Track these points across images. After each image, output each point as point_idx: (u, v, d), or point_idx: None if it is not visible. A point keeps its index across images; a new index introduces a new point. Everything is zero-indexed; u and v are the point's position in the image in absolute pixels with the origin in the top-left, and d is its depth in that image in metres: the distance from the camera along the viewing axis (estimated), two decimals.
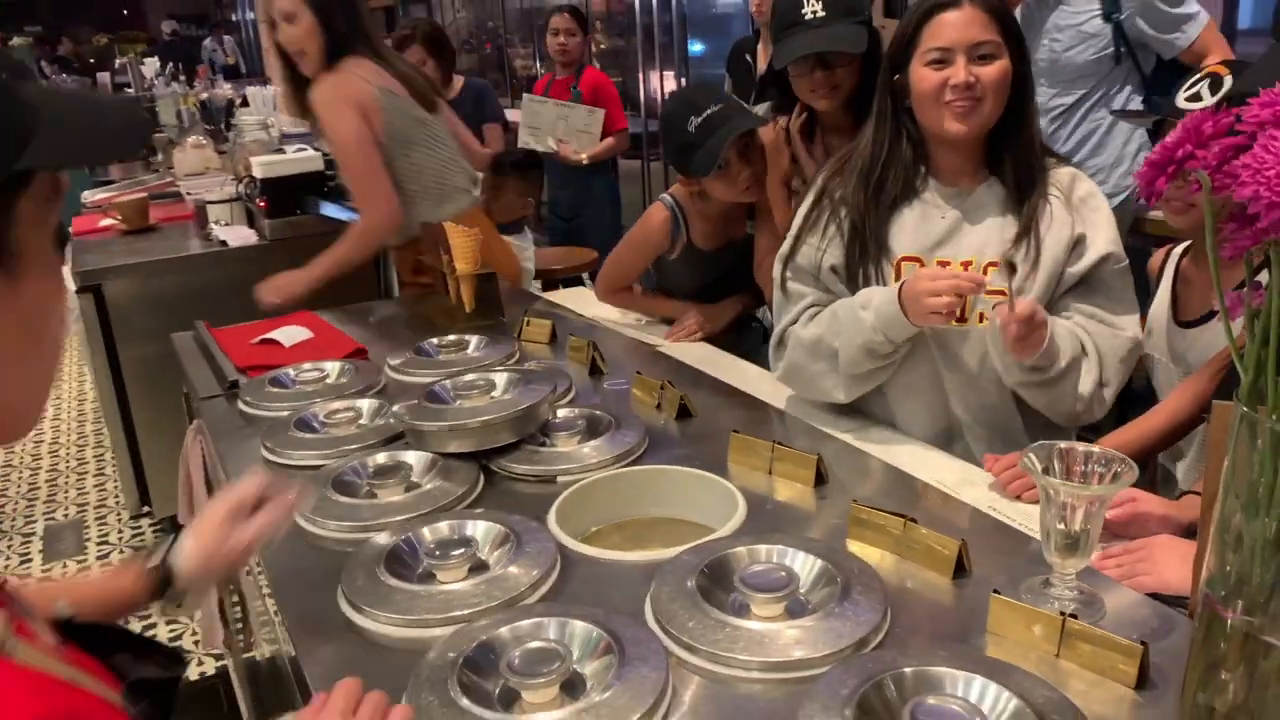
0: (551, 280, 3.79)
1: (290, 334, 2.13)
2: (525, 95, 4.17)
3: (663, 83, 6.50)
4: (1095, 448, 1.07)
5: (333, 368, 1.89)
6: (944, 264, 1.52)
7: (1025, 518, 1.29)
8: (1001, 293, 1.40)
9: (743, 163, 1.93)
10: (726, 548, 1.15)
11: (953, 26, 1.44)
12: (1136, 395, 1.74)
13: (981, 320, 1.52)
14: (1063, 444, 1.07)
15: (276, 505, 1.06)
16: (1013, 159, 1.51)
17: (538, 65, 8.67)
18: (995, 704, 0.89)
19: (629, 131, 4.35)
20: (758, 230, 2.09)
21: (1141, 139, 2.70)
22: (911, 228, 1.54)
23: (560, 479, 1.41)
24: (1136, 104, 2.69)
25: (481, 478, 1.42)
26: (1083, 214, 1.52)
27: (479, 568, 1.17)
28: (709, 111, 1.89)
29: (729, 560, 1.13)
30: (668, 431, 1.58)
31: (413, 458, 1.46)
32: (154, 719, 0.75)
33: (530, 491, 1.40)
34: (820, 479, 1.37)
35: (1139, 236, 2.70)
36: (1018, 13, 2.77)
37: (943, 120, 1.47)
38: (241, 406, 1.77)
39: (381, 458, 1.47)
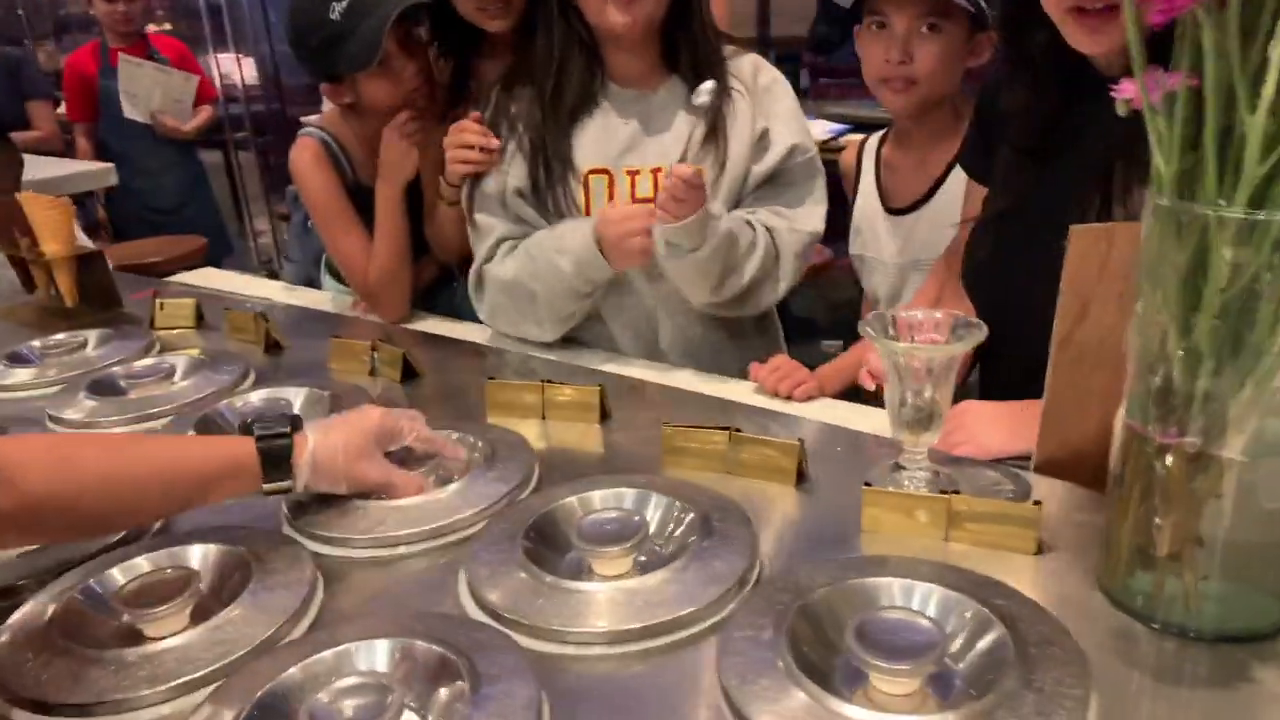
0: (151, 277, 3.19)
1: None
2: (122, 57, 3.47)
3: (240, 66, 5.86)
4: (932, 312, 0.97)
5: None
6: (633, 173, 1.41)
7: (813, 412, 1.20)
8: None
9: (405, 55, 1.56)
10: (543, 506, 0.92)
11: None
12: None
13: None
14: (895, 312, 0.96)
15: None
16: (689, 54, 1.41)
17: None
18: (938, 606, 0.75)
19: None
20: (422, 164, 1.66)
21: None
22: (594, 139, 1.42)
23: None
24: None
25: None
26: (765, 105, 1.44)
27: (202, 612, 0.82)
28: None
29: (553, 516, 0.90)
30: (396, 400, 1.28)
31: None
32: None
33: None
34: (605, 414, 1.17)
35: None
36: None
37: (605, 12, 1.32)
38: None
39: None
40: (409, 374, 1.34)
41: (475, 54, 1.63)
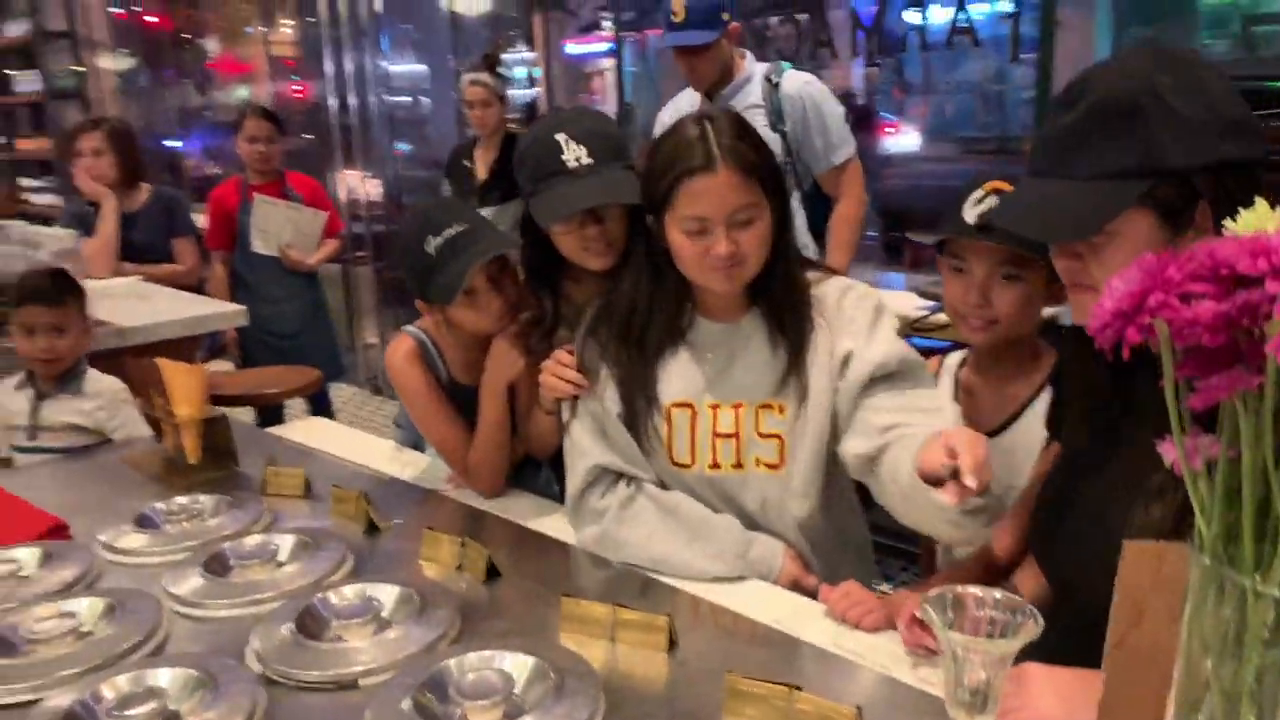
0: (267, 407, 3.39)
1: None
2: (257, 196, 3.78)
3: (364, 184, 6.26)
4: (991, 592, 1.01)
5: (26, 555, 1.49)
6: (714, 407, 1.47)
7: (873, 651, 1.22)
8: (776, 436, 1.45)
9: (494, 291, 1.64)
10: None
11: (709, 197, 1.34)
12: None
13: (758, 465, 1.47)
14: (956, 590, 1.00)
15: None
16: (773, 292, 1.46)
17: (212, 164, 8.08)
18: None
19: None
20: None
21: (809, 251, 2.93)
22: (680, 373, 1.49)
23: (365, 682, 1.15)
24: (799, 211, 2.92)
25: (261, 697, 1.13)
26: (843, 328, 1.45)
27: None
28: (452, 232, 1.59)
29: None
30: (478, 599, 1.36)
31: (165, 678, 1.15)
32: None
33: (325, 704, 1.14)
34: (673, 643, 1.22)
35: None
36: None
37: (707, 282, 1.41)
38: None
39: (123, 682, 1.14)
40: (492, 573, 1.42)
41: (565, 278, 1.69)
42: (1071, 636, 1.21)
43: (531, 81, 7.59)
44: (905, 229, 4.70)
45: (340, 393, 5.59)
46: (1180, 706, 0.78)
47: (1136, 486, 1.07)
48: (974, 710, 0.98)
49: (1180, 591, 0.83)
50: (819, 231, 3.00)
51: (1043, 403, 1.50)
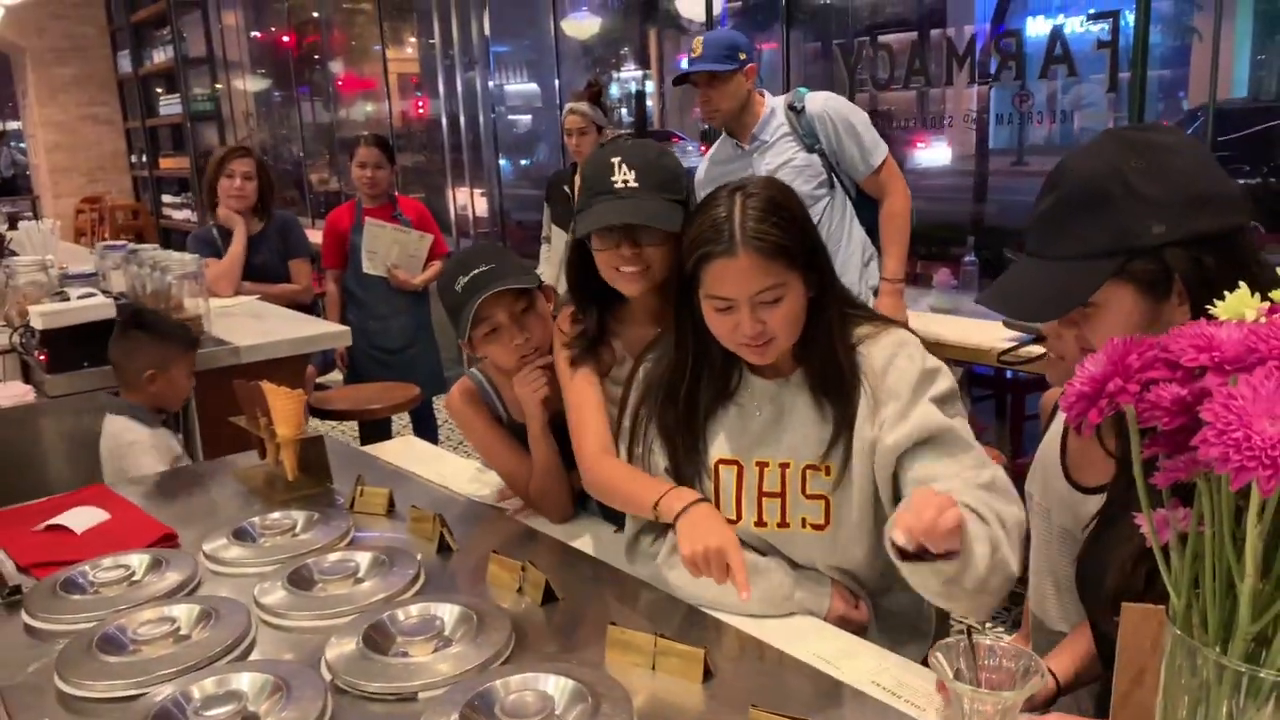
0: (371, 422, 3.59)
1: (82, 517, 1.87)
2: (368, 220, 4.03)
3: (473, 201, 6.49)
4: (1001, 643, 1.04)
5: (138, 561, 1.66)
6: (762, 465, 1.50)
7: (906, 690, 1.26)
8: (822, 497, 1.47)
9: (516, 328, 1.74)
10: None
11: (732, 279, 1.36)
12: None
13: (805, 526, 1.49)
14: (969, 640, 1.04)
15: None
16: (814, 357, 1.47)
17: (336, 180, 8.50)
18: None
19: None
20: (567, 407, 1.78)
21: (870, 251, 3.15)
22: (727, 430, 1.52)
23: (422, 696, 1.26)
24: (853, 217, 3.13)
25: (329, 700, 1.25)
26: (883, 395, 1.44)
27: None
28: (477, 271, 1.69)
29: None
30: (533, 622, 1.45)
31: (246, 682, 1.27)
32: None
33: (385, 714, 1.24)
34: (708, 674, 1.29)
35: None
36: (735, 162, 3.12)
37: (741, 354, 1.46)
38: (26, 619, 1.51)
39: (210, 684, 1.27)
40: (549, 597, 1.51)
41: (611, 314, 1.74)
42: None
43: (641, 99, 7.73)
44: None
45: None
46: None
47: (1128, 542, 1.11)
48: None
49: None
50: (874, 231, 3.17)
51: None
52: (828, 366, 1.46)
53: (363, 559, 1.62)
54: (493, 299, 1.71)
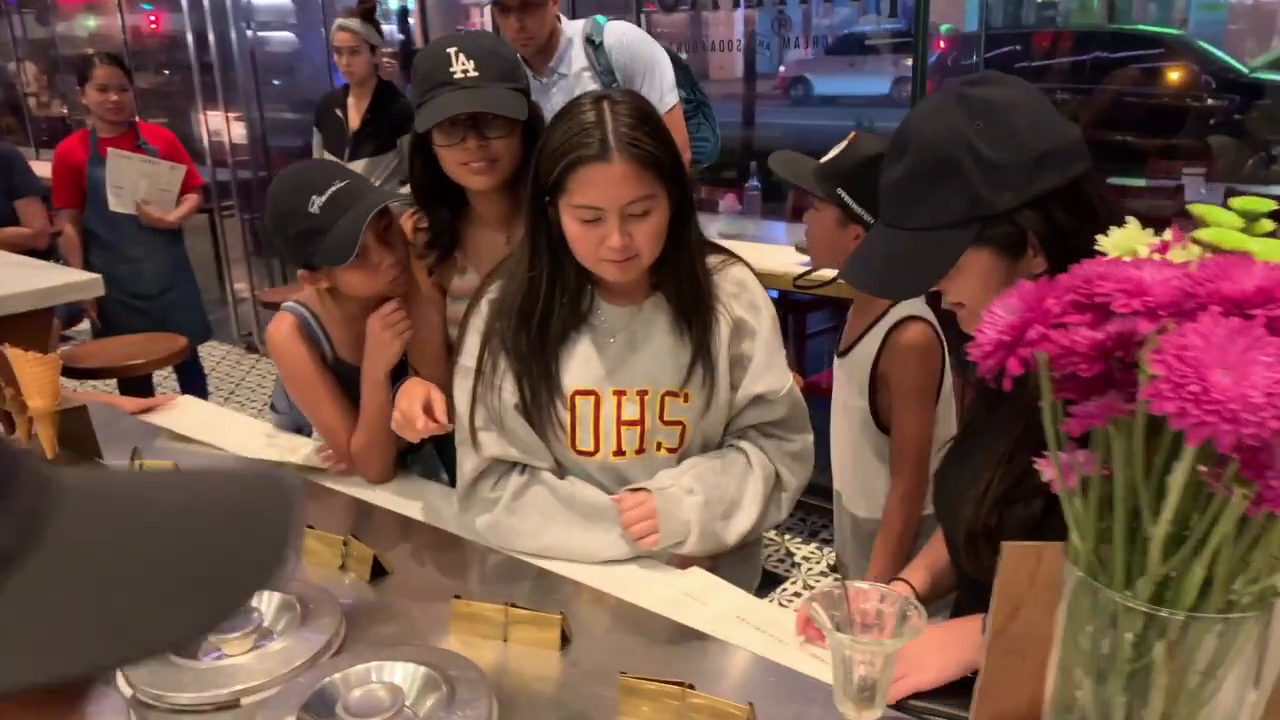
0: (131, 379, 3.22)
1: None
2: (111, 151, 3.53)
3: (229, 126, 5.92)
4: (879, 588, 1.03)
5: None
6: (620, 393, 1.45)
7: (761, 638, 1.24)
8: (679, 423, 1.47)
9: (384, 248, 1.60)
10: None
11: (604, 186, 1.30)
12: None
13: (659, 449, 1.48)
14: (843, 585, 1.02)
15: None
16: (674, 279, 1.44)
17: (59, 104, 7.55)
18: None
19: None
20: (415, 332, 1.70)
21: None
22: (582, 358, 1.46)
23: (246, 701, 1.11)
24: None
25: (131, 719, 1.08)
26: (743, 334, 1.49)
27: None
28: (335, 188, 1.54)
29: None
30: (365, 602, 1.32)
31: None
32: None
33: None
34: (565, 640, 1.21)
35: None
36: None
37: (601, 272, 1.39)
38: None
39: None
40: (378, 572, 1.38)
41: (459, 217, 1.69)
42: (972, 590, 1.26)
43: (404, 15, 7.28)
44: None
45: (213, 352, 5.37)
46: (1054, 706, 0.81)
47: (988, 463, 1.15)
48: (863, 705, 1.00)
49: (1055, 588, 0.86)
50: None
51: (874, 335, 1.70)
52: (690, 287, 1.43)
53: None
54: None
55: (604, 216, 1.31)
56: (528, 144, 1.56)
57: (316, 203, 1.53)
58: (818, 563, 3.26)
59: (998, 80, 1.10)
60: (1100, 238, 0.77)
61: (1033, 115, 1.06)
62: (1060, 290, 0.68)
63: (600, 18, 2.90)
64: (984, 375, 0.71)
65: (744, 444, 1.51)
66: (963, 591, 1.35)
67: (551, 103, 2.84)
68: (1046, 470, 0.76)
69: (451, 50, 1.54)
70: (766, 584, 3.05)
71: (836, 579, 1.06)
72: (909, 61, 3.49)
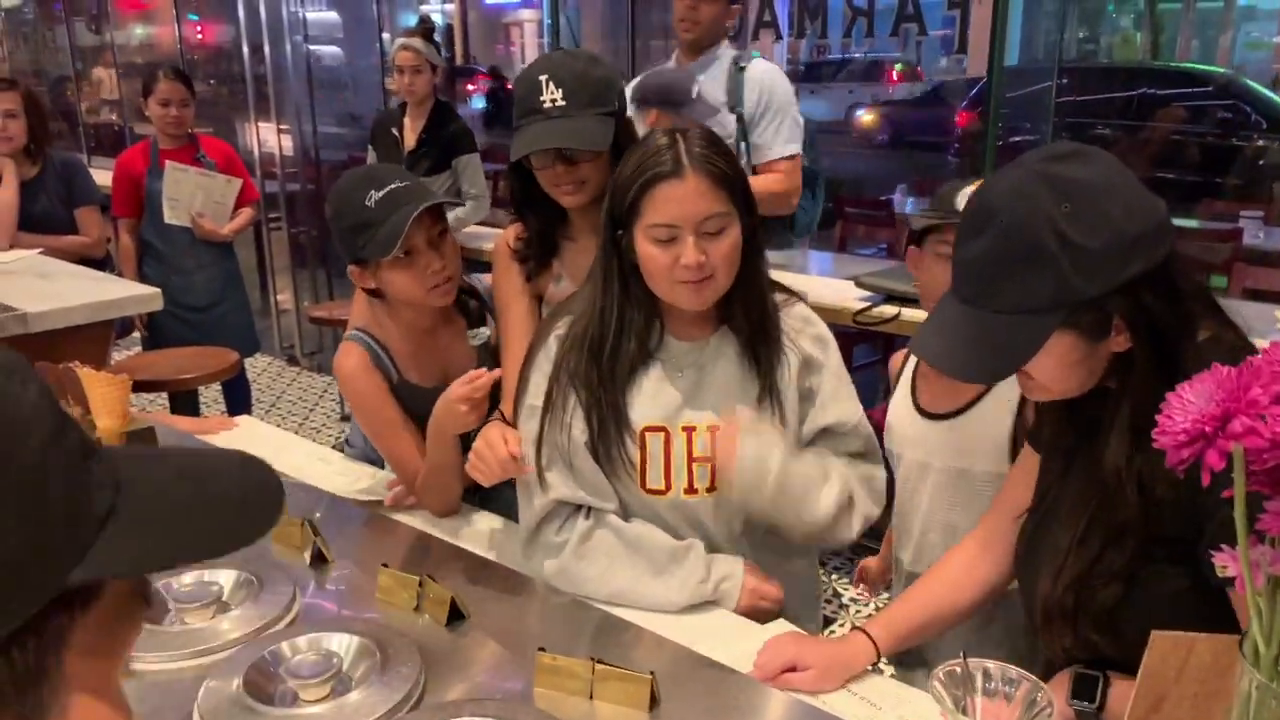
0: (184, 394, 3.21)
1: None
2: (169, 164, 3.54)
3: (280, 139, 5.95)
4: (991, 664, 0.98)
5: None
6: (690, 429, 1.43)
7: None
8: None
9: (432, 252, 1.60)
10: None
11: (678, 202, 1.31)
12: None
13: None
14: (961, 666, 0.97)
15: None
16: (744, 310, 1.43)
17: (115, 116, 7.63)
18: None
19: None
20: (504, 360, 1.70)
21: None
22: (651, 394, 1.44)
23: None
24: None
25: None
26: (812, 368, 1.48)
27: None
28: (393, 186, 1.57)
29: None
30: (441, 649, 1.28)
31: None
32: None
33: None
34: (654, 700, 1.16)
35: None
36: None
37: (676, 298, 1.38)
38: None
39: None
40: (455, 615, 1.34)
41: (556, 229, 1.74)
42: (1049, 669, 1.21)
43: (448, 32, 7.32)
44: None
45: (254, 364, 5.37)
46: None
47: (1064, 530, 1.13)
48: None
49: (1205, 682, 0.81)
50: None
51: (997, 396, 1.56)
52: (759, 318, 1.44)
53: (224, 580, 1.39)
54: (412, 220, 1.55)
55: (679, 235, 1.32)
56: (619, 159, 1.54)
57: (374, 197, 1.56)
58: (865, 604, 3.18)
59: (1082, 155, 1.05)
60: None
61: (1123, 197, 1.02)
62: (1265, 378, 0.63)
63: (755, 52, 2.97)
64: (1174, 466, 0.66)
65: (826, 458, 1.47)
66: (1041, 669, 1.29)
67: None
68: (1231, 565, 0.70)
69: (543, 78, 1.59)
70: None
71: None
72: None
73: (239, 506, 0.54)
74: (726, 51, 2.91)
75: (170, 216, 3.55)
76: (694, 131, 1.37)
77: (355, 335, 1.70)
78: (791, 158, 2.89)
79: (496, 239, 1.84)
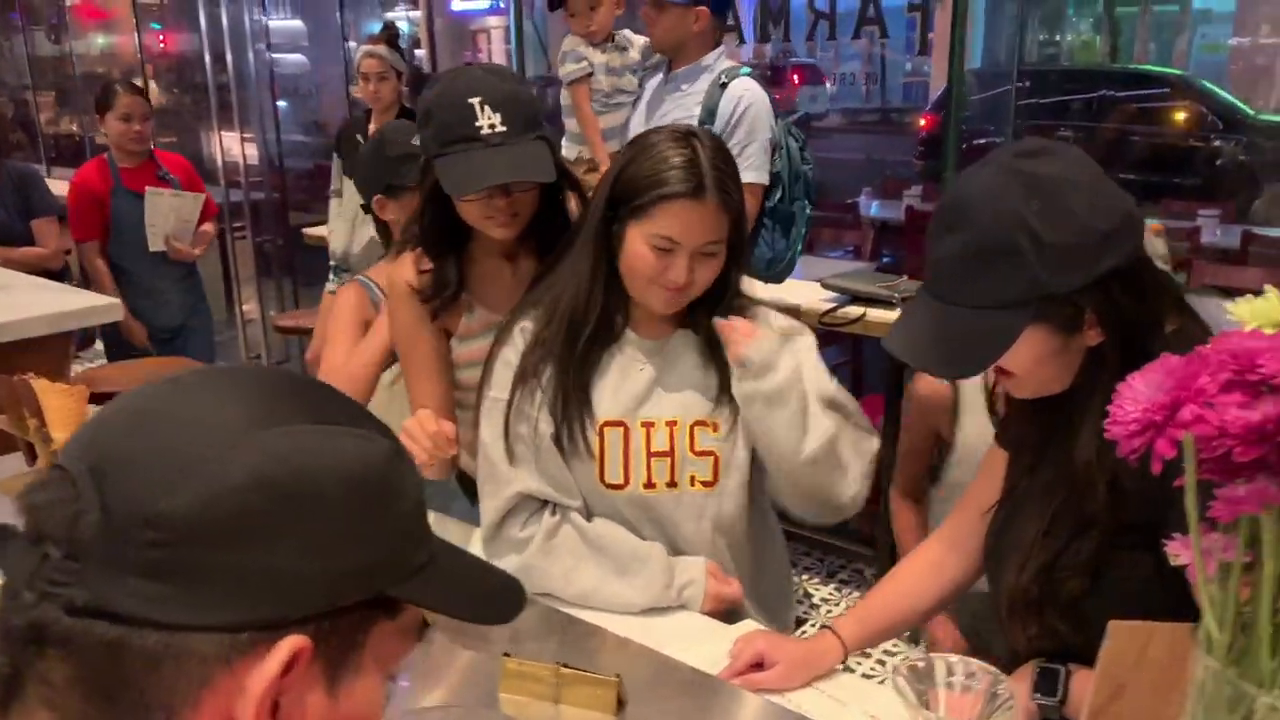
0: None
1: None
2: (149, 190, 3.45)
3: (244, 147, 5.89)
4: (954, 658, 0.98)
5: None
6: (649, 424, 1.43)
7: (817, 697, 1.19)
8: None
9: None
10: None
11: (689, 224, 1.31)
12: None
13: (693, 484, 1.44)
14: (923, 660, 0.97)
15: None
16: (707, 313, 1.42)
17: (69, 122, 7.53)
18: None
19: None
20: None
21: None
22: (613, 387, 1.44)
23: None
24: None
25: None
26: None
27: None
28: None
29: None
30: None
31: None
32: None
33: None
34: (620, 704, 1.16)
35: None
36: (648, 88, 2.93)
37: (647, 298, 1.38)
38: None
39: None
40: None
41: (463, 257, 1.60)
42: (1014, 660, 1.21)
43: (415, 42, 7.29)
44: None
45: None
46: None
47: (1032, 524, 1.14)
48: None
49: (1164, 671, 0.82)
50: None
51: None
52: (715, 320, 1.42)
53: None
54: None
55: (677, 250, 1.32)
56: (545, 187, 1.51)
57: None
58: (837, 604, 3.20)
59: (1051, 151, 1.06)
60: (1231, 305, 0.73)
61: (1090, 194, 1.04)
62: (1213, 367, 0.64)
63: (745, 69, 2.80)
64: (1125, 455, 0.67)
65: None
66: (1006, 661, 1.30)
67: (662, 108, 2.79)
68: (1183, 553, 0.71)
69: (475, 101, 1.43)
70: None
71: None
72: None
73: (505, 594, 0.72)
74: (719, 63, 2.78)
75: (154, 245, 3.48)
76: (707, 140, 1.36)
77: (360, 279, 1.80)
78: (754, 184, 2.68)
79: (390, 274, 1.63)
